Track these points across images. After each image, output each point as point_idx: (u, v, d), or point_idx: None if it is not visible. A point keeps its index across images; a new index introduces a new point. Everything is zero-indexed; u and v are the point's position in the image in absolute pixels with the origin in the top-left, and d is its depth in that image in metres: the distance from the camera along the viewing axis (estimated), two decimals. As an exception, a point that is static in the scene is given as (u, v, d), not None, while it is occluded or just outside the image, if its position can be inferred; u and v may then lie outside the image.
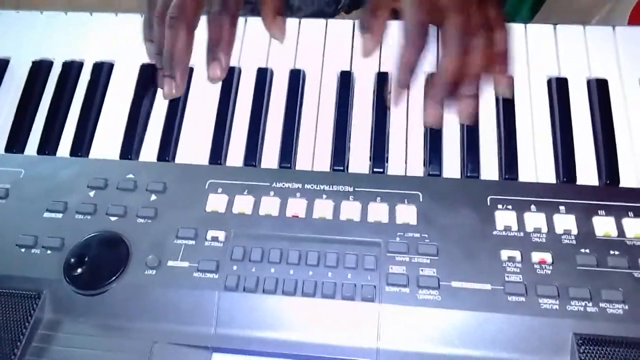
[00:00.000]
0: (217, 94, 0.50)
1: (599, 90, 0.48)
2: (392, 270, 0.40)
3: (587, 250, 0.41)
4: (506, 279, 0.39)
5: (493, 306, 0.38)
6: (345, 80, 0.50)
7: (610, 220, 0.42)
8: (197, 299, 0.39)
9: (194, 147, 0.48)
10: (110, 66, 0.53)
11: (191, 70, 0.52)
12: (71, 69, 0.53)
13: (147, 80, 0.51)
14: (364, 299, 0.39)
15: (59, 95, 0.52)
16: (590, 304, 0.38)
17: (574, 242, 0.41)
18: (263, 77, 0.51)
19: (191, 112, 0.50)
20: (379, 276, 0.40)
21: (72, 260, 0.41)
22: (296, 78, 0.51)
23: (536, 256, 0.41)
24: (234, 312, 0.39)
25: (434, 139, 0.47)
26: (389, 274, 0.40)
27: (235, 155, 0.48)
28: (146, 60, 0.53)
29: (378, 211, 0.43)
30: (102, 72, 0.52)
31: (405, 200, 0.44)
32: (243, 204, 0.44)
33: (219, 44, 0.50)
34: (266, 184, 0.44)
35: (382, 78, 0.50)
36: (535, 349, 0.38)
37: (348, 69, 0.51)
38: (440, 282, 0.39)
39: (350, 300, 0.39)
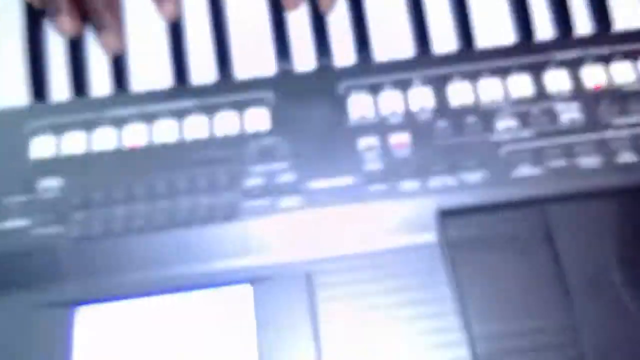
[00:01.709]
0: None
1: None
2: (249, 184, 0.38)
3: (444, 123, 0.40)
4: (365, 168, 0.38)
5: (355, 198, 0.37)
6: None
7: (465, 85, 0.41)
8: (44, 258, 0.36)
9: (7, 86, 0.42)
10: None
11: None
12: None
13: None
14: (225, 219, 0.37)
15: None
16: (450, 177, 0.38)
17: (431, 116, 0.40)
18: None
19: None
20: (236, 193, 0.37)
21: None
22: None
23: (394, 139, 0.39)
24: (87, 261, 0.36)
25: (280, 31, 0.43)
26: (246, 187, 0.38)
27: (60, 87, 0.42)
28: None
29: (227, 122, 0.40)
30: None
31: (255, 105, 0.40)
32: (73, 142, 0.39)
33: None
34: (97, 115, 0.40)
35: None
36: (403, 230, 0.37)
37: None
38: (299, 186, 0.38)
39: (210, 223, 0.37)
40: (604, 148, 0.39)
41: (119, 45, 0.42)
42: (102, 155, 0.38)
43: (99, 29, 0.42)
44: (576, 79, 0.41)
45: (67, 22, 0.41)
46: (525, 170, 0.38)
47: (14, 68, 0.42)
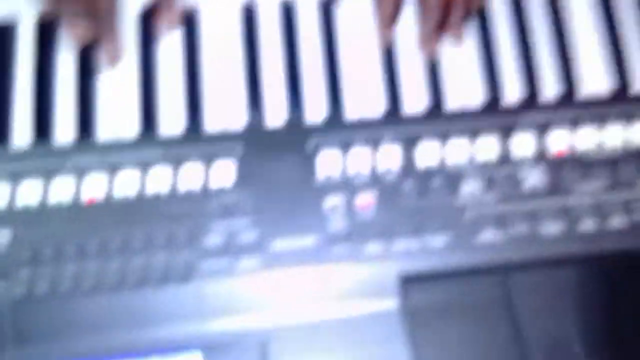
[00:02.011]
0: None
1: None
2: (208, 242, 0.37)
3: (410, 185, 0.40)
4: (329, 228, 0.38)
5: (317, 259, 0.37)
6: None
7: (435, 145, 0.41)
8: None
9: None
10: None
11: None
12: None
13: None
14: (180, 280, 0.36)
15: None
16: (414, 240, 0.38)
17: (397, 177, 0.40)
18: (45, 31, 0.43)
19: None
20: (194, 251, 0.36)
21: None
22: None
23: (360, 199, 0.39)
24: (31, 324, 0.34)
25: (253, 85, 0.43)
26: (205, 246, 0.37)
27: (22, 131, 0.41)
28: None
29: (190, 176, 0.39)
30: None
31: (221, 159, 0.40)
32: (29, 192, 0.38)
33: None
34: (59, 163, 0.38)
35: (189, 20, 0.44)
36: (363, 294, 0.37)
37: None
38: (261, 244, 0.37)
39: (165, 284, 0.36)
40: (566, 215, 0.39)
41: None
42: (57, 208, 0.37)
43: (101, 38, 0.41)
44: (541, 144, 0.42)
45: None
46: (488, 235, 0.38)
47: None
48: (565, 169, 0.41)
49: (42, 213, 0.37)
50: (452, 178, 0.40)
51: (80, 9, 0.41)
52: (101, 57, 0.42)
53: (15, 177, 0.38)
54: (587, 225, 0.39)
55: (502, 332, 0.36)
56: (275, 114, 0.43)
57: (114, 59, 0.42)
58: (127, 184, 0.38)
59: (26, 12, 0.43)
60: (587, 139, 0.42)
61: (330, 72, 0.43)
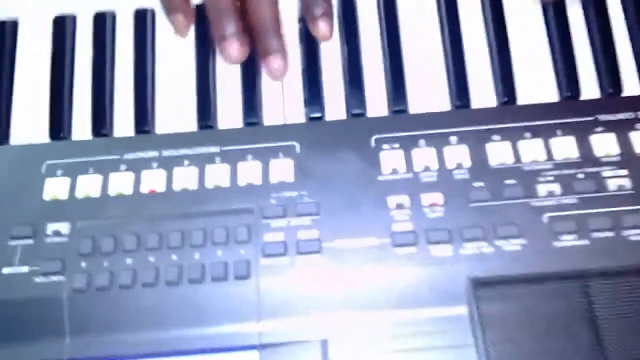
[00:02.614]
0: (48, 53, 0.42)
1: (492, 5, 0.43)
2: (268, 240, 0.35)
3: (482, 184, 0.37)
4: (394, 229, 0.35)
5: (381, 262, 0.35)
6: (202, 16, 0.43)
7: (506, 145, 0.38)
8: (43, 308, 0.34)
9: (30, 122, 0.40)
10: None
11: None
12: None
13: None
14: (238, 278, 0.34)
15: None
16: (486, 244, 0.35)
17: (467, 176, 0.37)
18: (102, 23, 0.42)
19: (21, 81, 0.42)
20: (254, 248, 0.35)
21: None
22: (142, 21, 0.42)
23: (426, 199, 0.37)
24: (88, 315, 0.33)
25: (312, 76, 0.41)
26: (264, 244, 0.35)
27: (82, 126, 0.41)
28: None
29: (249, 172, 0.38)
30: None
31: (281, 154, 0.38)
32: (88, 185, 0.37)
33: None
34: (116, 157, 0.38)
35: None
36: (431, 301, 0.34)
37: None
38: (322, 245, 0.35)
39: (223, 281, 0.34)
40: (654, 220, 0.36)
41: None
42: (116, 200, 0.37)
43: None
44: (626, 143, 0.38)
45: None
46: (569, 240, 0.35)
47: (38, 105, 0.41)
48: (654, 170, 0.37)
49: (101, 206, 0.36)
50: (528, 177, 0.37)
51: None
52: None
53: (73, 171, 0.38)
54: (679, 232, 0.36)
55: (582, 342, 0.33)
56: (337, 109, 0.41)
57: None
58: (186, 177, 0.37)
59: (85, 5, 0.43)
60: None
61: (393, 64, 0.41)
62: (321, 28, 0.41)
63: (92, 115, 0.40)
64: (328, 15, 0.41)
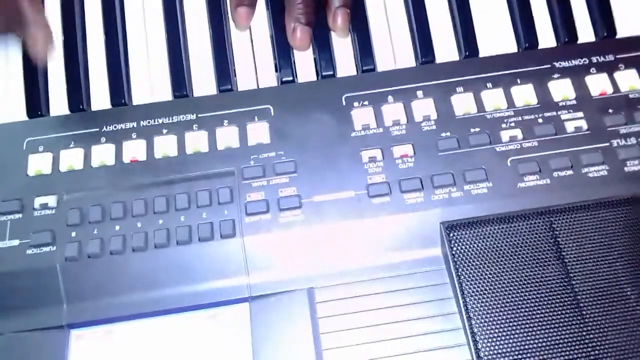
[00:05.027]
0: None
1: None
2: (250, 199, 0.37)
3: (448, 134, 0.39)
4: (369, 181, 0.37)
5: (358, 213, 0.37)
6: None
7: (469, 96, 0.40)
8: (38, 279, 0.35)
9: (8, 101, 0.41)
10: None
11: None
12: None
13: None
14: (224, 236, 0.36)
15: None
16: (455, 189, 0.37)
17: (434, 127, 0.39)
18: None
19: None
20: (237, 208, 0.37)
21: None
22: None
23: (397, 150, 0.39)
24: (82, 282, 0.35)
25: (281, 43, 0.43)
26: (247, 203, 0.37)
27: (58, 101, 0.41)
28: None
29: (227, 136, 0.39)
30: None
31: (256, 118, 0.40)
32: (71, 158, 0.38)
33: None
34: (95, 130, 0.39)
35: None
36: (406, 245, 0.37)
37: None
38: (301, 200, 0.37)
39: (209, 240, 0.36)
40: (610, 156, 0.38)
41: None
42: (99, 171, 0.38)
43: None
44: (581, 87, 0.40)
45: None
46: (532, 180, 0.38)
47: (15, 84, 0.41)
48: (607, 110, 0.40)
49: (85, 177, 0.37)
50: (492, 124, 0.39)
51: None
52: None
53: (55, 146, 0.38)
54: (634, 166, 0.38)
55: (549, 274, 0.36)
56: (308, 71, 0.42)
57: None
58: (165, 145, 0.39)
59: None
60: (629, 79, 0.41)
61: (359, 24, 0.43)
62: (338, 19, 0.42)
63: (67, 91, 0.41)
64: (347, 5, 0.42)
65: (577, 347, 0.33)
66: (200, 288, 0.35)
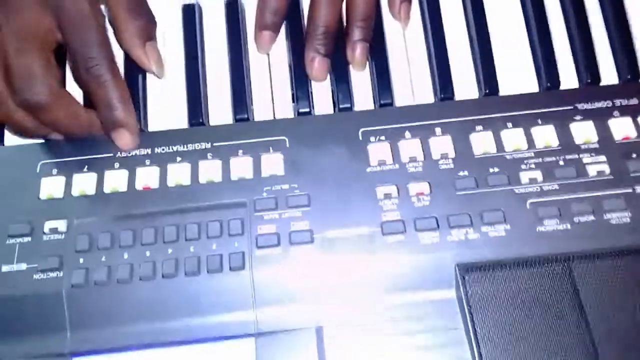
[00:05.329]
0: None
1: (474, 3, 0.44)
2: (261, 231, 0.36)
3: (466, 173, 0.38)
4: (383, 218, 0.37)
5: (371, 250, 0.36)
6: (190, 16, 0.43)
7: (489, 134, 0.40)
8: (43, 304, 0.34)
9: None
10: None
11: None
12: None
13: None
14: (233, 269, 0.35)
15: None
16: (471, 230, 0.36)
17: (452, 165, 0.39)
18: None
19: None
20: (247, 240, 0.36)
21: None
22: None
23: (413, 188, 0.38)
24: (87, 310, 0.34)
25: (299, 74, 0.42)
26: (258, 235, 0.36)
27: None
28: None
29: (241, 166, 0.39)
30: None
31: (271, 149, 0.39)
32: (83, 183, 0.38)
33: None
34: (109, 156, 0.39)
35: (233, 9, 0.44)
36: (419, 286, 0.36)
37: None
38: (313, 235, 0.36)
39: (218, 272, 0.35)
40: (632, 203, 0.37)
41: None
42: (111, 197, 0.37)
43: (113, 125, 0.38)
44: (603, 130, 0.40)
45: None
46: (551, 224, 0.37)
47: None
48: (630, 155, 0.39)
49: (97, 203, 0.37)
50: (511, 165, 0.38)
51: None
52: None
53: (68, 170, 0.38)
54: (655, 214, 0.37)
55: (567, 322, 0.34)
56: (325, 103, 0.42)
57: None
58: (179, 173, 0.38)
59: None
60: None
61: (378, 59, 0.43)
62: (357, 52, 0.42)
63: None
64: (366, 39, 0.42)
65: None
66: (206, 321, 0.34)
